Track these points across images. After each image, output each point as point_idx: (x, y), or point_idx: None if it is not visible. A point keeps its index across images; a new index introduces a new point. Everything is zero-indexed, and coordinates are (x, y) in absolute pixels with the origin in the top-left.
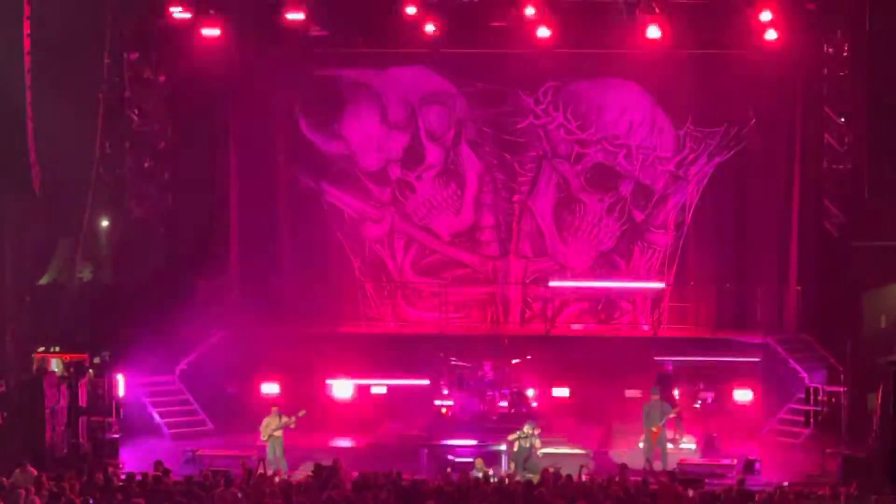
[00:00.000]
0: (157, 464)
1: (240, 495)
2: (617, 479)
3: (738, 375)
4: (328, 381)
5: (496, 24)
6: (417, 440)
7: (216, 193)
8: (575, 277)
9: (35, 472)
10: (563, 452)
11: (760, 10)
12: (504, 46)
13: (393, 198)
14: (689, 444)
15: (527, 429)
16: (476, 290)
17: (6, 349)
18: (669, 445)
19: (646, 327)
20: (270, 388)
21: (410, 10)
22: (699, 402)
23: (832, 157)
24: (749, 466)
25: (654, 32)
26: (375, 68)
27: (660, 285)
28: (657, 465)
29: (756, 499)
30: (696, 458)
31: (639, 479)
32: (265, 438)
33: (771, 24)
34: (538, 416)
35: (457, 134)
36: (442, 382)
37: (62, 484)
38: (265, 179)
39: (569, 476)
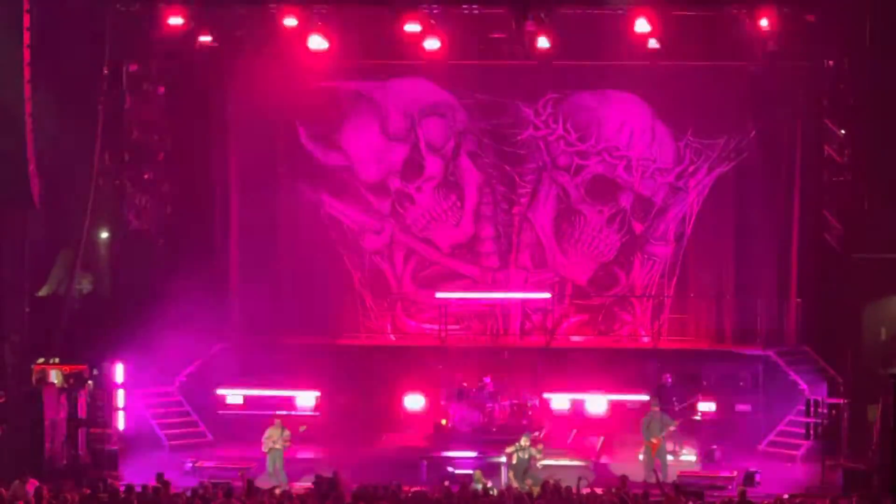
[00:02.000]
0: (158, 475)
1: None
2: (614, 490)
3: (739, 387)
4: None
5: (496, 35)
6: (417, 452)
7: (215, 204)
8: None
9: (36, 484)
10: (563, 464)
11: (760, 22)
12: (504, 58)
13: (392, 209)
14: (689, 456)
15: (524, 441)
16: (476, 301)
17: (5, 361)
18: (669, 457)
19: (646, 339)
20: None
21: (411, 22)
22: (699, 413)
23: (832, 169)
24: (749, 479)
25: (653, 44)
26: (375, 80)
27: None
28: (658, 478)
29: None
30: (697, 470)
31: (639, 491)
32: (266, 450)
33: (771, 36)
34: (538, 427)
35: (457, 145)
36: (441, 394)
37: (62, 496)
38: (265, 191)
39: (568, 487)
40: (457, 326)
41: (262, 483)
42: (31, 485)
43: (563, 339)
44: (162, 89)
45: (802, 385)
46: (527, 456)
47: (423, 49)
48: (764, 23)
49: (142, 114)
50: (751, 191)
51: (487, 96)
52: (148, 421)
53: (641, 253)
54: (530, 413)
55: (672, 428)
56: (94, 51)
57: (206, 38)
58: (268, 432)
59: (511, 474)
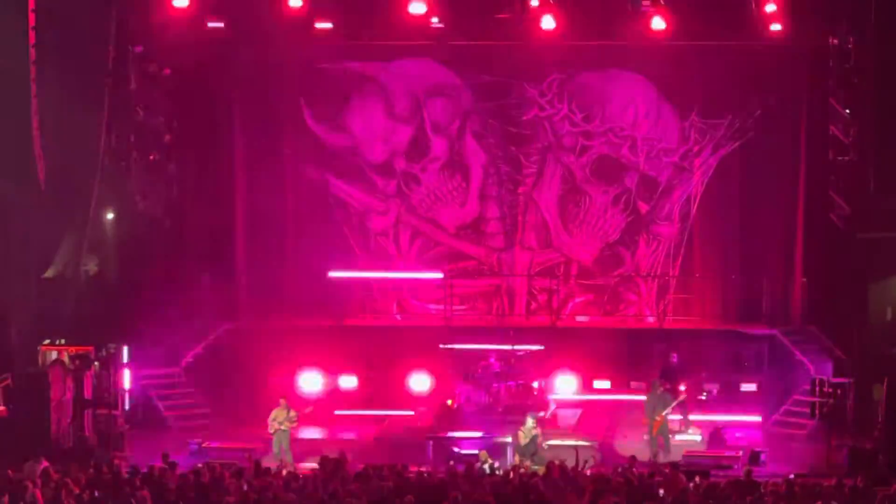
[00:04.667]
0: (164, 456)
1: (245, 487)
2: (620, 469)
3: (744, 367)
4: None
5: (501, 15)
6: (423, 432)
7: (221, 186)
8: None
9: (45, 464)
10: (570, 444)
11: (766, 2)
12: (509, 38)
13: (398, 190)
14: (694, 435)
15: (529, 422)
16: (481, 282)
17: (12, 342)
18: (673, 436)
19: (651, 319)
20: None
21: (416, 3)
22: (704, 393)
23: (837, 148)
24: (754, 458)
25: (658, 24)
26: (380, 61)
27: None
28: (661, 457)
29: (762, 490)
30: (702, 450)
31: (645, 471)
32: (272, 431)
33: (776, 15)
34: (543, 407)
35: (462, 126)
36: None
37: (67, 478)
38: (270, 172)
39: (574, 468)
40: (462, 307)
41: (268, 464)
42: (43, 466)
43: (568, 319)
44: (168, 71)
45: (808, 364)
46: (532, 437)
47: (428, 30)
48: (769, 2)
49: (148, 95)
50: (756, 170)
51: (492, 77)
52: (154, 402)
53: (647, 233)
54: (536, 393)
55: (675, 404)
56: (100, 32)
57: (211, 20)
58: (273, 413)
59: (517, 455)
